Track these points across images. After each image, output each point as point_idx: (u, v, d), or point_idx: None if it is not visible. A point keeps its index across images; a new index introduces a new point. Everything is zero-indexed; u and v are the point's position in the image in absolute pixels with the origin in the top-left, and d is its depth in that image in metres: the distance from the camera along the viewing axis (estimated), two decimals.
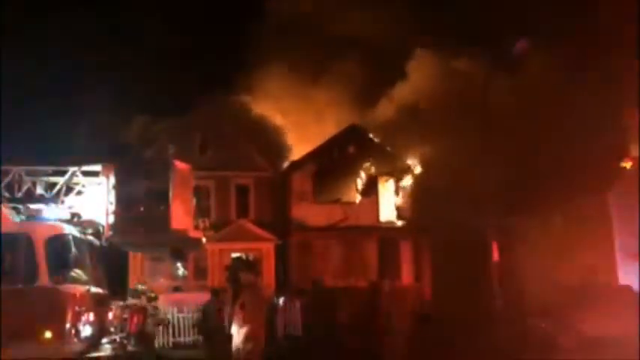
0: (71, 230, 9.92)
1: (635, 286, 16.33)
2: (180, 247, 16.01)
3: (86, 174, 11.18)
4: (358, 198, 23.86)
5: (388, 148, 24.33)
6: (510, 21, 21.91)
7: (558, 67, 19.47)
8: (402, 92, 24.51)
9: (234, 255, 22.57)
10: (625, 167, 19.48)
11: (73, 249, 9.53)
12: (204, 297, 13.19)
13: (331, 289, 15.82)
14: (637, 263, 17.54)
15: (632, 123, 19.21)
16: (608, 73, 18.75)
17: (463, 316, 17.24)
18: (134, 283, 18.08)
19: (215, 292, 12.35)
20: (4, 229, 9.10)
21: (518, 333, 15.33)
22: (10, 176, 10.60)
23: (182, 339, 16.42)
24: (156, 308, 13.13)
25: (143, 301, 12.72)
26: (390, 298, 12.02)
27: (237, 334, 6.99)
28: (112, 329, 10.88)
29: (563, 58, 19.55)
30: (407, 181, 23.79)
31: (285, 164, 25.34)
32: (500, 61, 21.58)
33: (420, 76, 23.84)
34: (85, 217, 10.89)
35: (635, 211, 17.35)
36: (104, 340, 10.16)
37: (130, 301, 13.55)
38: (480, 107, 18.76)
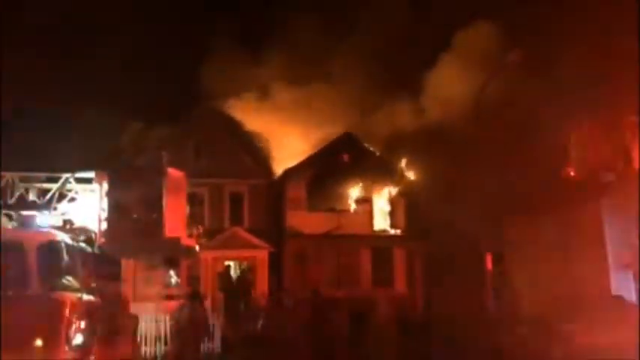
0: (63, 237, 9.87)
1: (627, 297, 16.38)
2: (174, 255, 15.96)
3: (79, 181, 11.15)
4: (353, 206, 23.89)
5: (383, 157, 24.44)
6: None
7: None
8: (402, 102, 24.76)
9: (227, 263, 22.56)
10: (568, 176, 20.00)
11: (65, 256, 9.48)
12: None
13: (327, 299, 15.78)
14: (629, 273, 17.59)
15: (573, 137, 19.83)
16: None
17: (456, 324, 17.26)
18: None
19: None
20: None
21: (510, 342, 15.34)
22: (3, 182, 10.56)
23: None
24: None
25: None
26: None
27: None
28: None
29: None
30: (401, 190, 23.85)
31: (280, 172, 25.34)
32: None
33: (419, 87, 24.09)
34: (77, 224, 10.85)
35: (627, 221, 17.42)
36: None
37: None
38: (475, 117, 18.85)
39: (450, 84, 22.48)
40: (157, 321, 15.33)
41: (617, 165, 18.80)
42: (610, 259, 17.95)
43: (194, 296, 13.03)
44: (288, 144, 25.83)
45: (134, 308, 16.49)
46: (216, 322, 16.07)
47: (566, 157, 20.22)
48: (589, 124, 19.77)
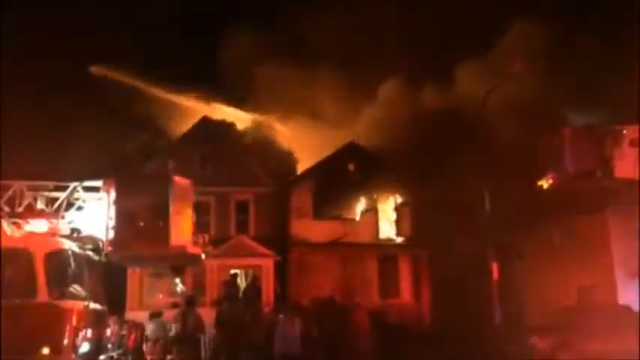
0: (71, 245, 9.95)
1: (634, 305, 16.27)
2: (180, 263, 15.96)
3: (87, 189, 11.21)
4: (358, 215, 23.87)
5: (389, 165, 24.42)
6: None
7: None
8: (406, 107, 24.80)
9: (234, 271, 22.54)
10: (542, 186, 19.93)
11: (73, 264, 9.55)
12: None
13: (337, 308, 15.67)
14: (636, 282, 17.49)
15: (547, 142, 19.83)
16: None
17: (463, 334, 17.19)
18: None
19: None
20: (3, 244, 9.12)
21: (517, 352, 15.26)
22: (11, 191, 10.63)
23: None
24: None
25: None
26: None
27: None
28: (110, 345, 10.85)
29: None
30: (406, 198, 23.80)
31: (286, 179, 25.37)
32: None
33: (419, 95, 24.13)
34: (85, 232, 10.91)
35: (633, 230, 17.35)
36: (102, 357, 10.13)
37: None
38: (478, 126, 18.87)
39: (468, 86, 22.61)
40: (163, 329, 15.33)
41: (595, 173, 18.70)
42: (617, 268, 17.88)
43: (189, 303, 13.09)
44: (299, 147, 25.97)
45: (140, 316, 16.59)
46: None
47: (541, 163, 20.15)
48: (565, 130, 19.72)
